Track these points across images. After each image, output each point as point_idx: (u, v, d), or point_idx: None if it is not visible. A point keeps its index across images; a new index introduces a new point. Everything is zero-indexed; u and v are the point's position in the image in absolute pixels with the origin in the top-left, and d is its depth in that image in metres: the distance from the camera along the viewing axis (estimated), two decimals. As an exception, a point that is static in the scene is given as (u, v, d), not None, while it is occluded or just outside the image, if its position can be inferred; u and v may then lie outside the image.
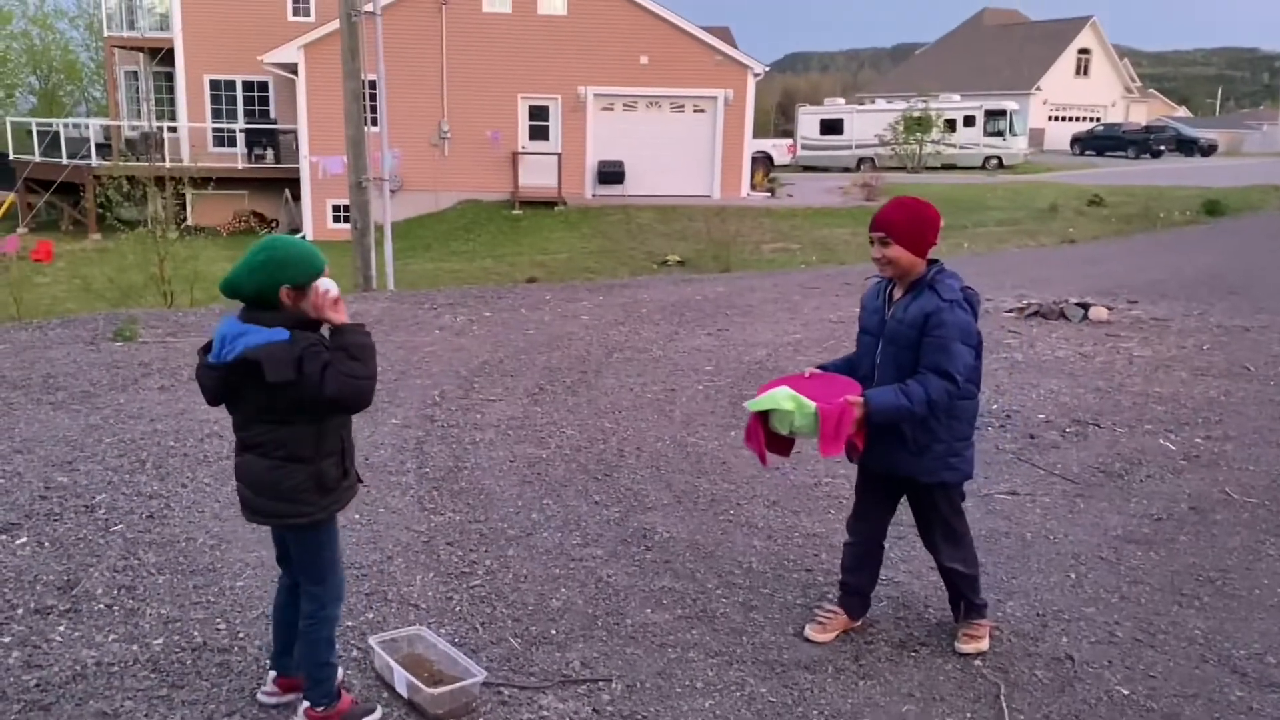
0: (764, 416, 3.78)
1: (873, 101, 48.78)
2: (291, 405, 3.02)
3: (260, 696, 3.48)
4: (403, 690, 3.49)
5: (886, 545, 4.34)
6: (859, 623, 4.11)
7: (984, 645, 3.94)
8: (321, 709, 3.30)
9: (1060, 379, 8.22)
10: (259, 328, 2.99)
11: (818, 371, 3.93)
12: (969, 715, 3.54)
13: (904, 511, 4.10)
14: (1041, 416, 7.16)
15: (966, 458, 3.82)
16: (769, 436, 3.83)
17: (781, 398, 3.69)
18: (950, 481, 3.83)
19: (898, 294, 3.76)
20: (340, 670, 3.47)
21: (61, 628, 4.01)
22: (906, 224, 3.63)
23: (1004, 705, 3.58)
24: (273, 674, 3.49)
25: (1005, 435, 6.76)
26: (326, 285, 3.06)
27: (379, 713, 3.42)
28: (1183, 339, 9.80)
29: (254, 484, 3.19)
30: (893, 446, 3.74)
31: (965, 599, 3.99)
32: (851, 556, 4.10)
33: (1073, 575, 4.66)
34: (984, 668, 3.83)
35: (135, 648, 3.86)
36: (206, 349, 3.12)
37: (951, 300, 3.60)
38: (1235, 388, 7.98)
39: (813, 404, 3.62)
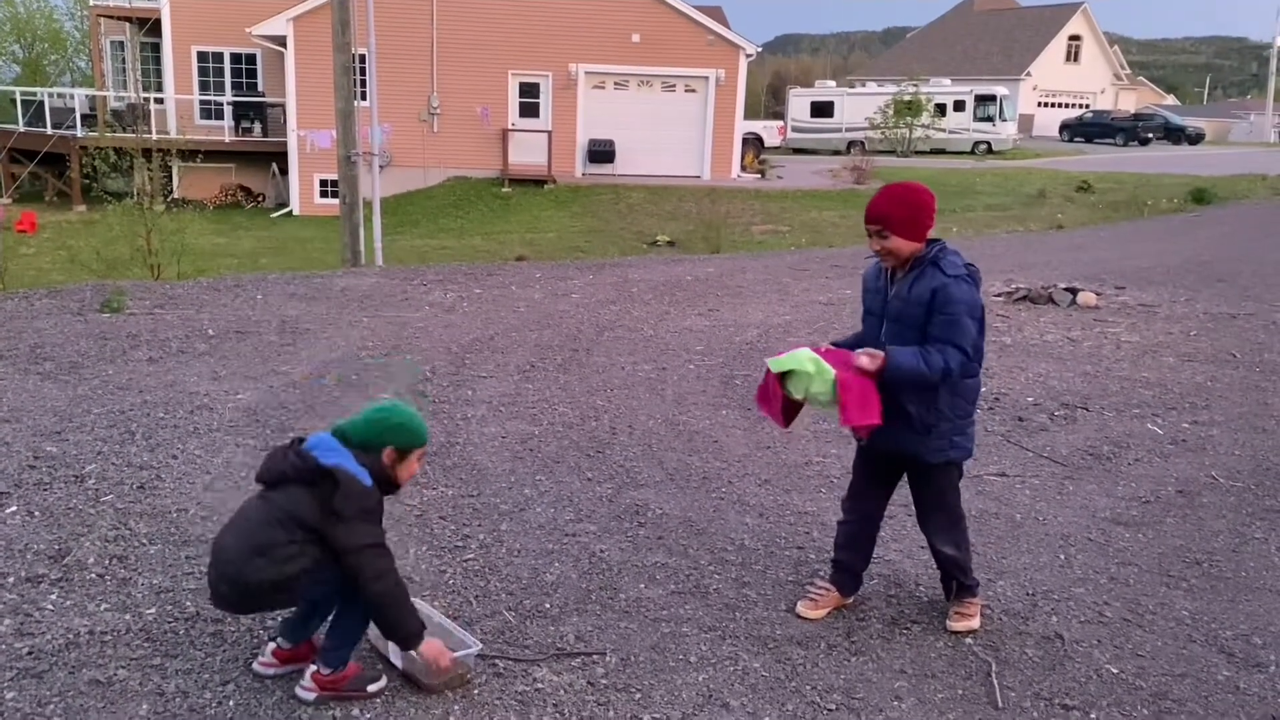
0: (781, 379, 3.70)
1: (863, 85, 48.77)
2: (321, 537, 3.15)
3: (256, 666, 3.48)
4: (397, 661, 3.50)
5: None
6: (850, 600, 4.14)
7: (975, 624, 3.97)
8: (329, 672, 3.31)
9: (1049, 363, 8.27)
10: (352, 457, 3.20)
11: (832, 348, 3.88)
12: (960, 692, 3.57)
13: (896, 491, 4.11)
14: (1030, 399, 7.20)
15: (969, 435, 3.82)
16: (784, 400, 3.75)
17: (804, 358, 3.62)
18: (955, 460, 3.84)
19: (899, 273, 3.74)
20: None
21: (53, 596, 3.99)
22: (902, 214, 3.60)
23: (995, 682, 3.61)
24: (271, 645, 3.48)
25: (994, 417, 6.80)
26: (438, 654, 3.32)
27: (384, 681, 3.43)
28: (1170, 325, 9.86)
29: (231, 563, 3.23)
30: (899, 427, 3.72)
31: (956, 579, 4.02)
32: (845, 535, 4.10)
33: (1062, 556, 4.70)
34: (975, 646, 3.87)
35: (128, 617, 3.86)
36: (299, 440, 3.30)
37: (956, 276, 3.58)
38: (1221, 373, 8.04)
39: (832, 370, 3.57)
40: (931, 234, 3.71)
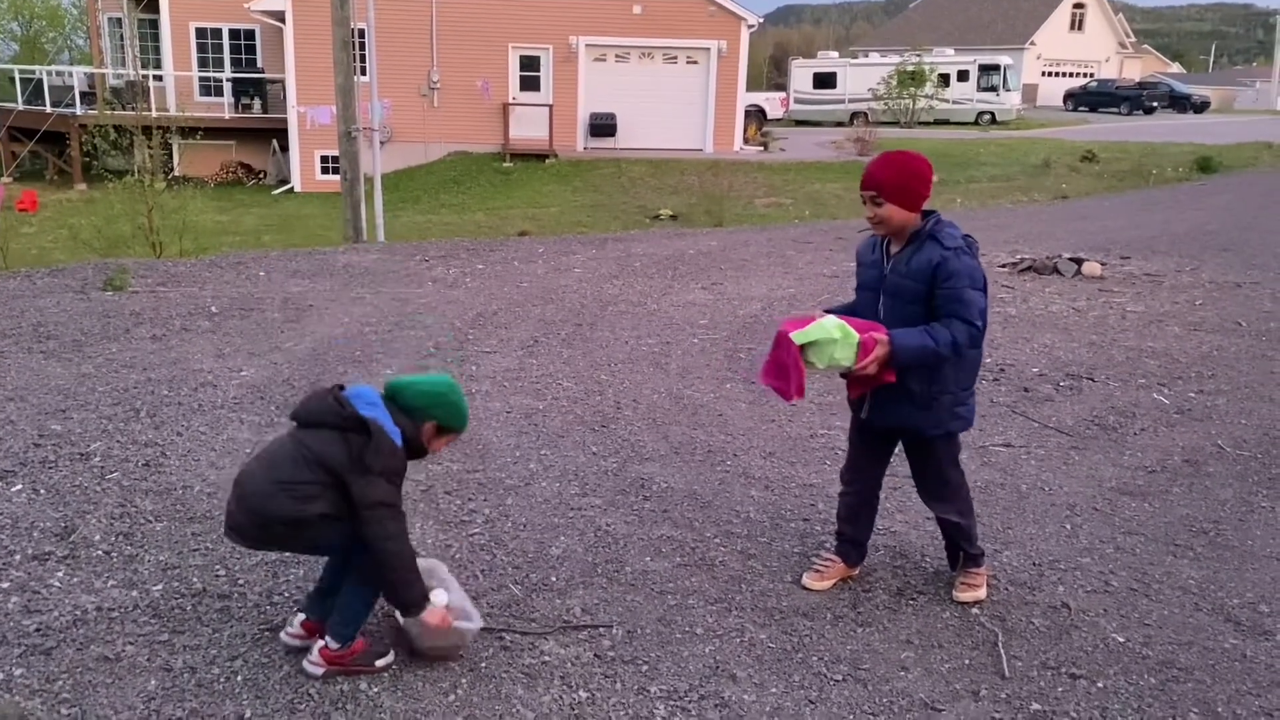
0: (802, 350, 3.61)
1: (866, 55, 48.39)
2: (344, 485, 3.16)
3: (284, 637, 3.47)
4: (399, 614, 3.47)
5: (882, 495, 4.36)
6: (856, 571, 4.14)
7: (981, 594, 3.97)
8: (337, 647, 3.32)
9: (1054, 333, 8.24)
10: (389, 415, 3.24)
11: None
12: (967, 662, 3.57)
13: (899, 461, 4.10)
14: (1035, 370, 7.18)
15: (970, 406, 3.80)
16: (794, 370, 3.64)
17: (830, 326, 3.54)
18: (955, 431, 3.81)
19: (895, 247, 3.69)
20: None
21: (60, 573, 4.00)
22: (896, 181, 3.54)
23: (1002, 652, 3.61)
24: (300, 617, 3.47)
25: (1000, 388, 6.78)
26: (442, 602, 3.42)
27: (392, 656, 3.43)
28: (1175, 295, 9.82)
29: (254, 494, 3.25)
30: (900, 402, 3.70)
31: (961, 548, 4.02)
32: (847, 507, 4.10)
33: (1068, 526, 4.69)
34: (981, 616, 3.87)
35: (135, 593, 3.86)
36: (340, 387, 3.33)
37: (955, 248, 3.51)
38: (1227, 343, 8.01)
39: (857, 334, 3.53)
40: (931, 205, 3.66)
